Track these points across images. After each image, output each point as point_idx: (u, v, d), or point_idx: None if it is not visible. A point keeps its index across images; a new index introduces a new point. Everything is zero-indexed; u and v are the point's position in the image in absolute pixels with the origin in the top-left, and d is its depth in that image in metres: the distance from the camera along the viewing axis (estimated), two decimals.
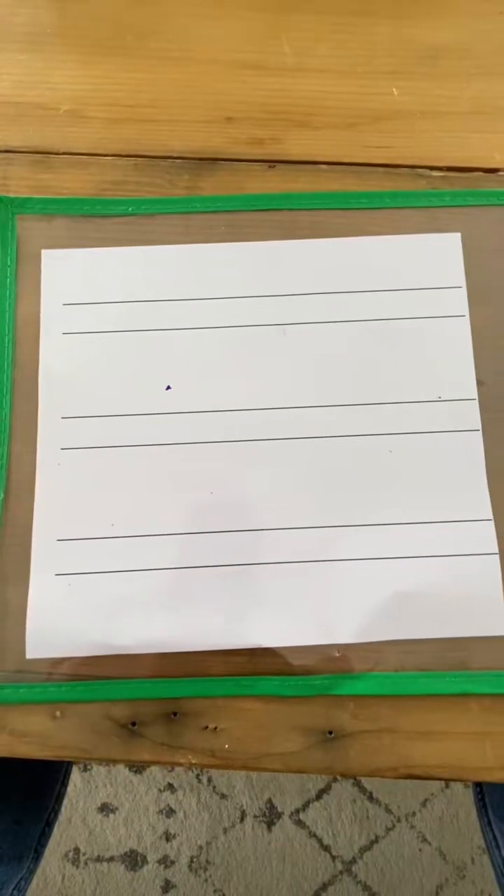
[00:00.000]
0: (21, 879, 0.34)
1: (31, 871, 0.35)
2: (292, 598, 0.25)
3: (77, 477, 0.27)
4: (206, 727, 0.25)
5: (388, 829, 0.74)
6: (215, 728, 0.25)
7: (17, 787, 0.36)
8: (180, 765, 0.25)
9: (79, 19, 0.33)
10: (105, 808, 0.75)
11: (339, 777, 0.76)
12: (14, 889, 0.33)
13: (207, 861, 0.74)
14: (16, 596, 0.26)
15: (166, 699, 0.25)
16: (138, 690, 0.25)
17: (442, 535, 0.26)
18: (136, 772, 0.76)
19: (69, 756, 0.25)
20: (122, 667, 0.25)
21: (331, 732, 0.25)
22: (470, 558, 0.26)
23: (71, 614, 0.25)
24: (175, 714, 0.25)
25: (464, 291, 0.29)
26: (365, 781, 0.76)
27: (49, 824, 0.37)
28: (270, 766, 0.25)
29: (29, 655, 0.25)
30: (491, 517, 0.26)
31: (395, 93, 0.32)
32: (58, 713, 0.25)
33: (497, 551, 0.26)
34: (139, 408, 0.27)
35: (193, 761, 0.25)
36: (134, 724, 0.25)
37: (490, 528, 0.26)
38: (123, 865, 0.74)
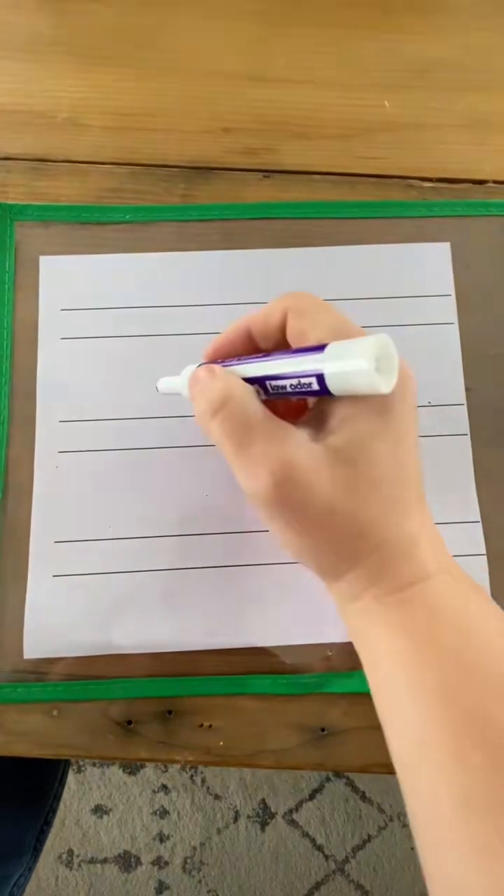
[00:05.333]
0: (20, 877, 0.34)
1: (30, 869, 0.35)
2: (285, 599, 0.26)
3: (74, 479, 0.27)
4: (202, 725, 0.26)
5: (381, 829, 0.75)
6: (210, 726, 0.26)
7: (16, 786, 0.36)
8: (176, 762, 0.25)
9: (77, 28, 0.33)
10: (99, 810, 0.75)
11: (332, 774, 0.76)
12: (14, 886, 0.34)
13: (201, 861, 0.74)
14: (14, 596, 0.26)
15: (162, 698, 0.26)
16: (134, 690, 0.26)
17: None
18: (129, 773, 0.76)
19: (66, 754, 0.25)
20: (118, 666, 0.26)
21: (323, 729, 0.26)
22: (459, 559, 0.26)
23: (68, 615, 0.26)
24: (170, 713, 0.26)
25: (453, 300, 0.29)
26: (357, 781, 0.76)
27: (47, 823, 0.38)
28: (264, 763, 0.25)
29: (26, 655, 0.25)
30: (479, 519, 0.27)
31: (388, 105, 0.32)
32: (55, 712, 0.26)
33: (485, 552, 0.27)
34: (136, 412, 0.28)
35: (189, 759, 0.25)
36: (130, 722, 0.26)
37: (478, 529, 0.27)
38: (117, 867, 0.74)
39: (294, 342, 0.20)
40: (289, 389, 0.19)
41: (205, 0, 0.34)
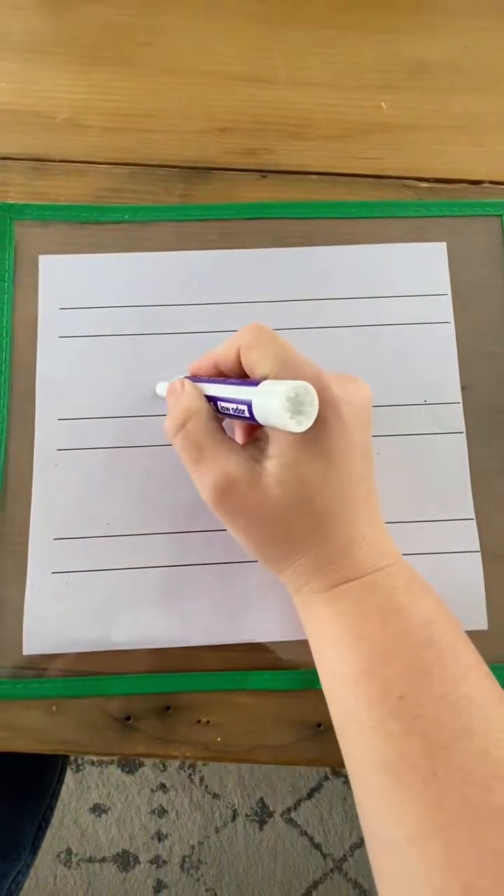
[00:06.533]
0: (18, 873, 0.34)
1: (28, 866, 0.36)
2: (283, 595, 0.26)
3: (73, 477, 0.27)
4: (199, 721, 0.26)
5: None
6: (208, 722, 0.26)
7: (14, 784, 0.36)
8: (174, 758, 0.25)
9: (76, 29, 0.34)
10: (97, 809, 0.75)
11: (330, 773, 0.76)
12: (11, 883, 0.34)
13: (199, 860, 0.74)
14: (13, 593, 0.26)
15: (160, 694, 0.26)
16: (133, 685, 0.26)
17: (427, 534, 0.27)
18: (128, 772, 0.77)
19: (65, 750, 0.26)
20: (116, 662, 0.26)
21: (320, 725, 0.26)
22: (453, 556, 0.27)
23: (67, 611, 0.26)
24: (169, 708, 0.26)
25: (449, 299, 0.30)
26: None
27: (45, 820, 0.38)
28: (262, 759, 0.26)
29: (26, 651, 0.26)
30: (473, 516, 0.27)
31: (384, 106, 0.33)
32: (54, 708, 0.26)
33: (479, 549, 0.27)
34: (134, 410, 0.28)
35: (187, 754, 0.25)
36: (128, 718, 0.26)
37: (472, 527, 0.27)
38: (115, 866, 0.74)
39: (249, 374, 0.22)
40: (231, 412, 0.22)
41: (203, 1, 0.34)
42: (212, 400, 0.23)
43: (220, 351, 0.23)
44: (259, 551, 0.22)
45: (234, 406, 0.21)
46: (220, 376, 0.23)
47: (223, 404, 0.22)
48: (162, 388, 0.27)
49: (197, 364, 0.24)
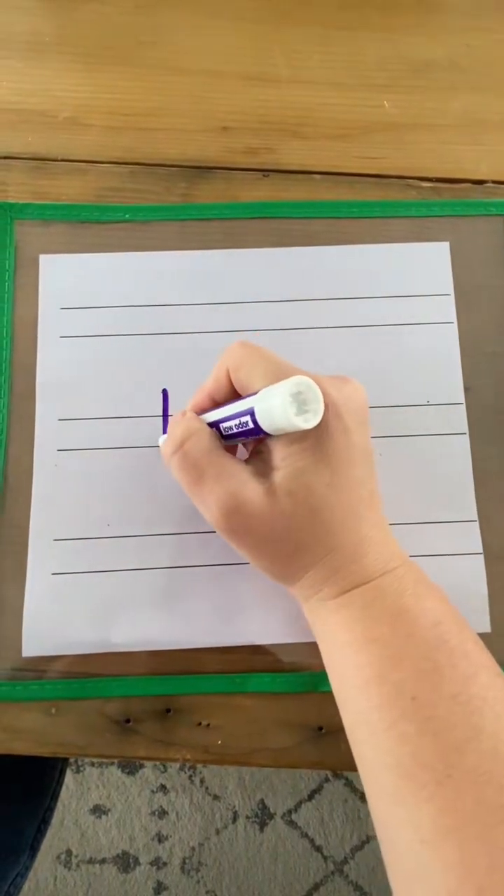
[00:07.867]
0: (17, 876, 0.34)
1: (28, 868, 0.35)
2: (284, 597, 0.26)
3: (73, 478, 0.27)
4: (200, 723, 0.26)
5: None
6: (208, 724, 0.26)
7: (13, 785, 0.36)
8: (174, 760, 0.25)
9: (79, 29, 0.33)
10: (97, 810, 0.75)
11: (330, 775, 0.76)
12: (10, 885, 0.34)
13: (200, 862, 0.74)
14: (12, 595, 0.26)
15: (160, 696, 0.26)
16: (132, 688, 0.26)
17: (429, 536, 0.27)
18: (128, 773, 0.76)
19: (64, 752, 0.25)
20: (116, 664, 0.26)
21: (321, 728, 0.26)
22: (456, 558, 0.27)
23: (66, 613, 0.26)
24: (169, 711, 0.26)
25: (452, 299, 0.29)
26: (356, 782, 0.76)
27: (45, 821, 0.38)
28: (262, 762, 0.25)
29: (25, 653, 0.26)
30: (476, 518, 0.27)
31: (386, 105, 0.33)
32: (53, 710, 0.26)
33: (482, 551, 0.27)
34: (135, 410, 0.28)
35: (187, 757, 0.25)
36: (128, 720, 0.26)
37: (475, 528, 0.27)
38: (116, 867, 0.74)
39: (243, 394, 0.22)
40: (235, 430, 0.21)
41: (205, 0, 0.34)
42: (214, 426, 0.22)
43: (211, 380, 0.23)
44: (269, 568, 0.22)
45: (236, 421, 0.21)
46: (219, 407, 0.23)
47: (226, 424, 0.21)
48: (162, 440, 0.27)
49: (192, 403, 0.24)
